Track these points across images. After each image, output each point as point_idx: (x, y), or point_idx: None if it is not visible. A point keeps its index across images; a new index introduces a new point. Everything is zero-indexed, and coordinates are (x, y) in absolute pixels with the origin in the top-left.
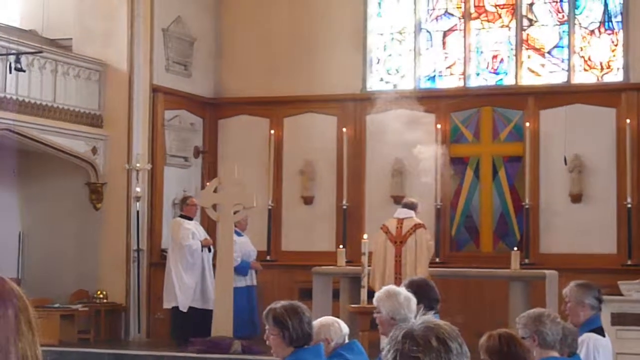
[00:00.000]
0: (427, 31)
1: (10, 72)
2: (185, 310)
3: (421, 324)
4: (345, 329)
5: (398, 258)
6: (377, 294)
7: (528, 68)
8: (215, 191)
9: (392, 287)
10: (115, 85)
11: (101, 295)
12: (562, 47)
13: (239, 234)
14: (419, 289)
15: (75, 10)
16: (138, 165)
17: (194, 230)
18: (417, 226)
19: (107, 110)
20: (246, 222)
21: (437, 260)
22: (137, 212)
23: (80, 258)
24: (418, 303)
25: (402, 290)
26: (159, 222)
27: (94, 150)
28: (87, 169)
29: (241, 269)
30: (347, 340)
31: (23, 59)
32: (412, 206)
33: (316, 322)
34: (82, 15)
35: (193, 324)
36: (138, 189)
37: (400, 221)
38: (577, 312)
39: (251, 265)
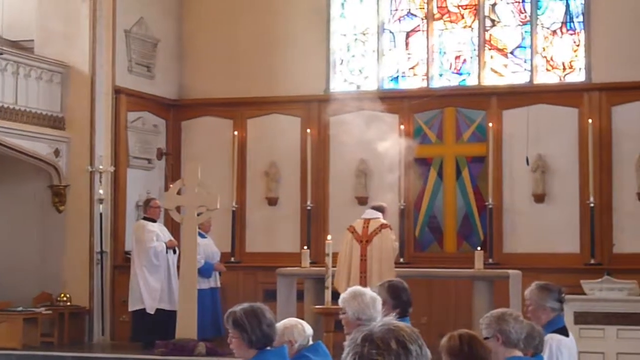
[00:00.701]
0: (390, 32)
1: None
2: (152, 312)
3: (381, 326)
4: (309, 330)
5: (364, 257)
6: (342, 295)
7: (491, 68)
8: (178, 193)
9: (358, 287)
10: (78, 87)
11: (64, 298)
12: (525, 47)
13: (202, 236)
14: (397, 292)
15: (37, 11)
16: (101, 167)
17: (158, 232)
18: (383, 226)
19: (69, 112)
20: (210, 223)
21: (402, 260)
22: (100, 214)
23: (43, 261)
24: (395, 307)
25: (368, 291)
26: (122, 224)
27: (57, 153)
28: (49, 171)
29: (205, 271)
30: (311, 342)
31: None
32: (380, 209)
33: (280, 324)
34: (44, 16)
35: (158, 325)
36: (101, 191)
37: (367, 221)
38: (539, 315)
39: (215, 267)
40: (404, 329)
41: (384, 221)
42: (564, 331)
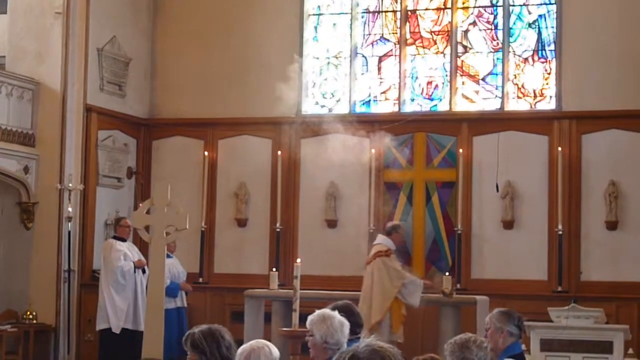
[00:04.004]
0: (363, 56)
1: None
2: (118, 332)
3: (366, 346)
4: (276, 353)
5: (364, 282)
6: (310, 317)
7: (462, 94)
8: (148, 212)
9: (327, 310)
10: (49, 104)
11: (30, 316)
12: (496, 74)
13: (168, 256)
14: (342, 314)
15: (9, 27)
16: (70, 185)
17: (127, 251)
18: (377, 254)
19: (40, 129)
20: (175, 243)
21: None
22: (69, 232)
23: (9, 278)
24: None
25: (336, 315)
26: (90, 242)
27: (26, 170)
28: (18, 188)
29: (170, 291)
30: None
31: None
32: (388, 230)
33: (247, 346)
34: (16, 33)
35: (123, 345)
36: (70, 209)
37: (372, 246)
38: (496, 339)
39: (181, 287)
40: (389, 349)
41: (383, 248)
42: (521, 357)
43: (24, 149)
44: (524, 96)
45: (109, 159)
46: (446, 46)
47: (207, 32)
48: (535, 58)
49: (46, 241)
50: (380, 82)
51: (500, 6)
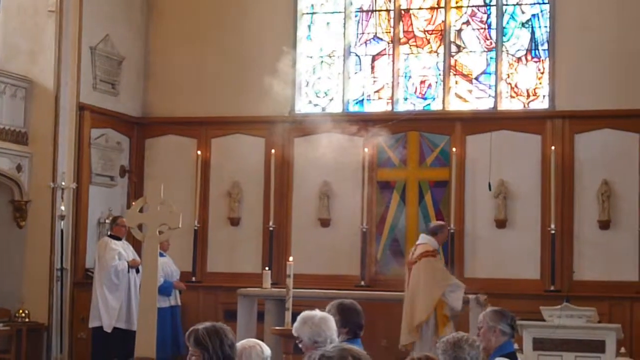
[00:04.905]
0: (356, 55)
1: None
2: (109, 331)
3: (334, 347)
4: (267, 351)
5: (407, 284)
6: (294, 325)
7: (455, 94)
8: (141, 211)
9: (306, 312)
10: (41, 103)
11: (23, 315)
12: (490, 73)
13: (161, 255)
14: (346, 312)
15: (2, 26)
16: (63, 183)
17: (121, 250)
18: (423, 255)
19: (33, 128)
20: (168, 242)
21: (362, 283)
22: (62, 230)
23: (2, 276)
24: (344, 326)
25: (317, 312)
26: (83, 241)
27: (19, 168)
28: (11, 186)
29: (164, 289)
30: None
31: None
32: (433, 230)
33: (238, 345)
34: (9, 31)
35: (116, 345)
36: (62, 208)
37: (416, 247)
38: (489, 337)
39: (174, 285)
40: (356, 349)
41: (429, 248)
42: (513, 356)
43: (16, 147)
44: (517, 95)
45: (101, 158)
46: (439, 45)
47: (201, 31)
48: (529, 57)
49: (39, 240)
50: (374, 81)
51: (493, 5)
